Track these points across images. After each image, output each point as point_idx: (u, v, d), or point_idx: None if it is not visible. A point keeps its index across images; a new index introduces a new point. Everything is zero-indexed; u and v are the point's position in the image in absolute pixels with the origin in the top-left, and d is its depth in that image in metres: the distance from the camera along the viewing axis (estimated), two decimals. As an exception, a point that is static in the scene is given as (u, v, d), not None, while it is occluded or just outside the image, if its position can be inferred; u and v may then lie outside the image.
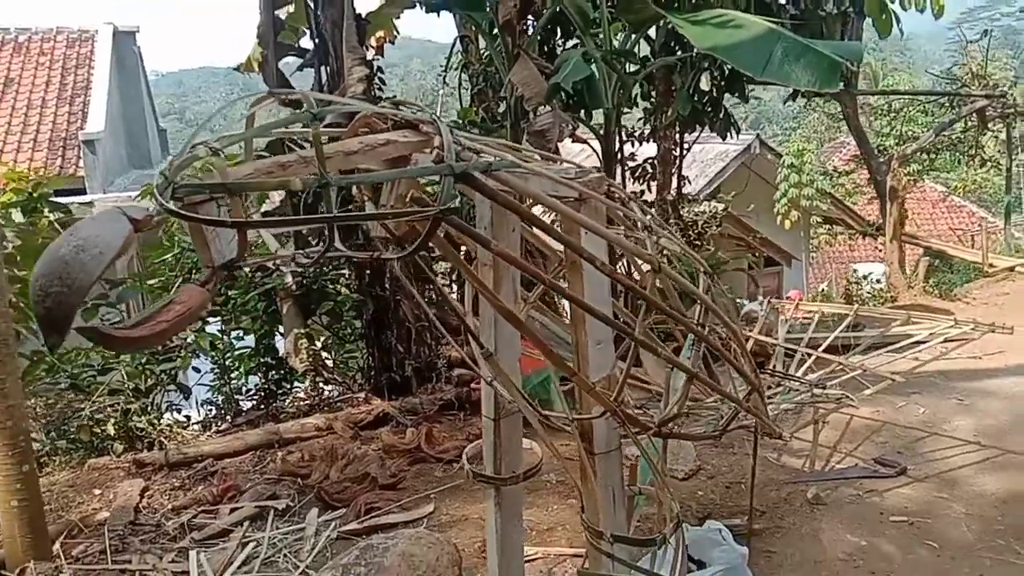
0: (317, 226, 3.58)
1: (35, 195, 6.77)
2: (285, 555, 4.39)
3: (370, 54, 9.93)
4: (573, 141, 7.40)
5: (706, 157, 17.21)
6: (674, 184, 9.24)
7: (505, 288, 3.17)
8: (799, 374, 5.01)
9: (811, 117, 32.94)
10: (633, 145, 9.49)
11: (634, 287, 2.85)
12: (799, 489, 4.93)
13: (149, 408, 6.50)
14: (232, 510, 4.89)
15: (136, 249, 8.06)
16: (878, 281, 11.90)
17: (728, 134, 9.62)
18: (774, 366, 5.24)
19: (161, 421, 6.47)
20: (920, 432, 5.77)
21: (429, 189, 3.29)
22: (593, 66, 6.22)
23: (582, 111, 7.61)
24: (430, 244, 2.34)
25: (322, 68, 6.66)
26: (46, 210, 6.75)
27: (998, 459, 5.29)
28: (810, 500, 4.78)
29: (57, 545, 4.29)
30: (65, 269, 1.71)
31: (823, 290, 17.75)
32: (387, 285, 6.39)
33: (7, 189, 6.91)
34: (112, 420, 6.23)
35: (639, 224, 2.90)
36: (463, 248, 4.27)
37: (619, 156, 6.88)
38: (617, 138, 6.83)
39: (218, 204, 1.99)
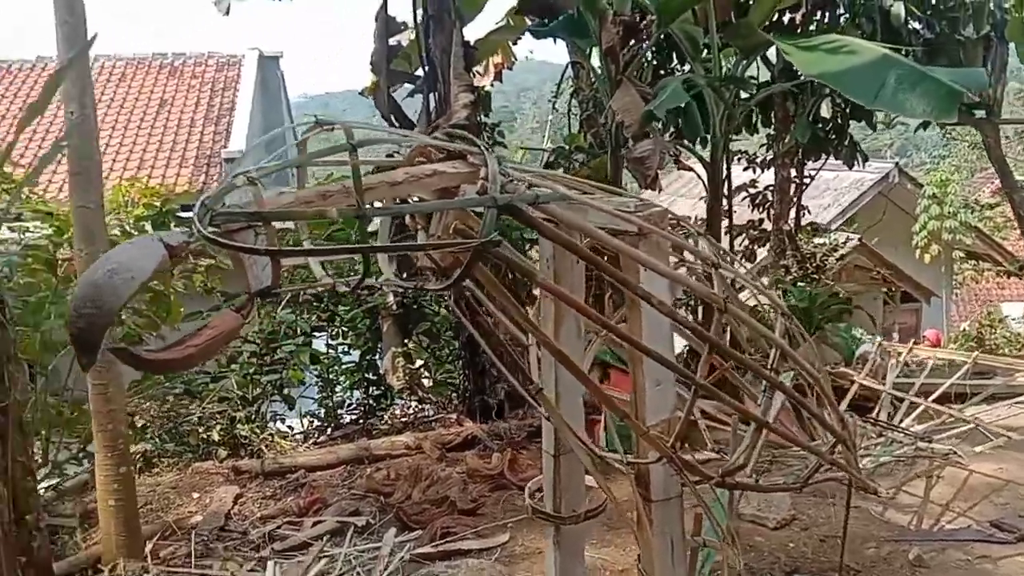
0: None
1: (163, 210, 7.22)
2: (358, 573, 4.44)
3: (488, 79, 10.10)
4: (679, 168, 7.22)
5: (840, 185, 16.49)
6: (792, 214, 8.86)
7: (568, 322, 3.11)
8: (904, 424, 4.65)
9: (961, 145, 31.02)
10: (754, 172, 9.19)
11: (696, 328, 2.73)
12: (901, 549, 4.56)
13: (254, 417, 6.76)
14: (315, 523, 5.00)
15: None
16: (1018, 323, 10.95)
17: (855, 162, 9.18)
18: (877, 414, 4.89)
19: (264, 430, 6.72)
20: (1052, 495, 5.23)
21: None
22: (701, 92, 6.05)
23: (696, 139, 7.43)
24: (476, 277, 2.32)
25: (431, 95, 6.78)
26: (172, 224, 7.19)
27: None
28: (911, 561, 4.41)
29: (148, 545, 4.51)
30: (97, 292, 1.76)
31: (964, 330, 16.55)
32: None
33: (140, 203, 7.42)
34: (218, 426, 6.52)
35: (707, 261, 2.76)
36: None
37: (727, 184, 6.65)
38: (725, 166, 6.60)
39: (256, 232, 2.02)
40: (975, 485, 5.23)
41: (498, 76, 10.37)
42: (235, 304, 2.07)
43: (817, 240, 8.95)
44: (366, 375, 7.38)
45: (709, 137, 6.49)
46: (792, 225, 8.70)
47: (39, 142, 14.82)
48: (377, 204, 2.41)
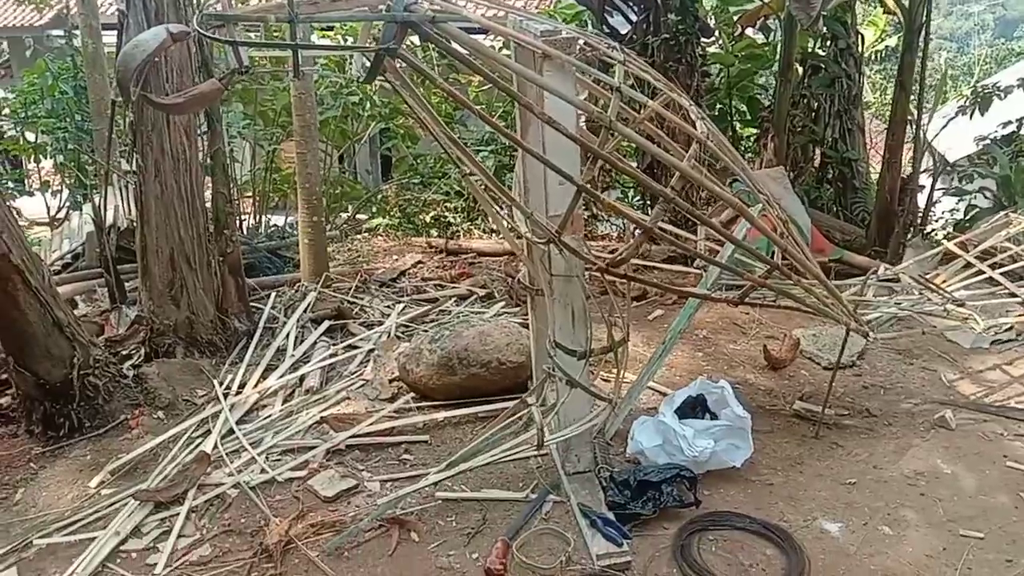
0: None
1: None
2: (457, 324, 5.66)
3: None
4: (884, 12, 6.70)
5: None
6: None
7: (533, 132, 3.79)
8: (953, 288, 4.54)
9: None
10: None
11: (582, 141, 3.30)
12: (936, 409, 4.62)
13: (463, 208, 8.17)
14: (452, 288, 6.30)
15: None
16: None
17: None
18: (935, 276, 4.77)
19: (467, 220, 8.10)
20: None
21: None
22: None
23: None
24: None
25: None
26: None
27: None
28: (934, 421, 4.50)
29: (323, 276, 6.13)
30: (124, 58, 3.03)
31: None
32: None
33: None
34: (433, 212, 8.04)
35: (607, 85, 3.24)
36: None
37: (923, 33, 6.09)
38: (924, 12, 6.03)
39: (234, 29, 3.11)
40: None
41: None
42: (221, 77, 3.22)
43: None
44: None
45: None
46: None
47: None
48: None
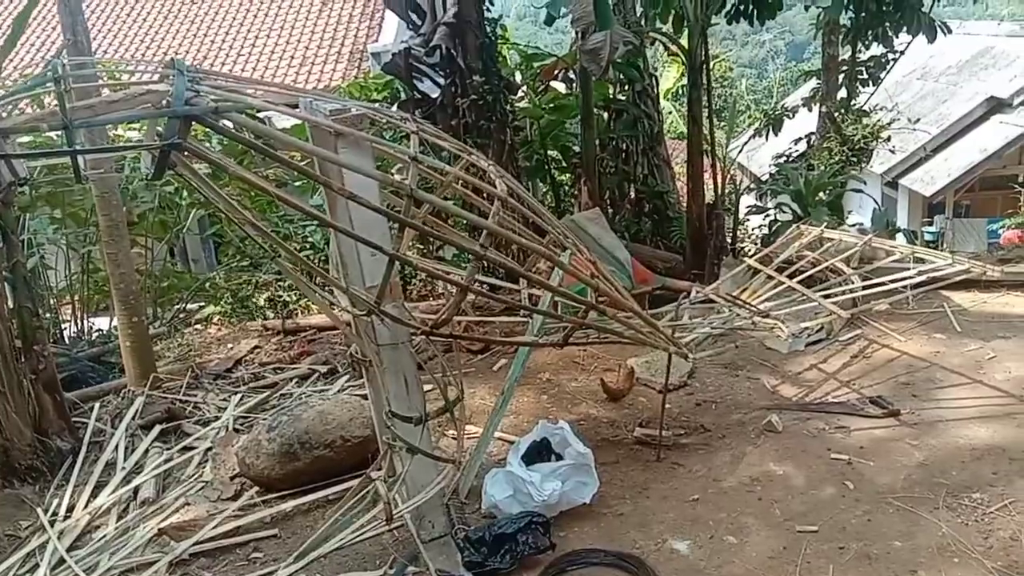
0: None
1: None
2: (298, 405, 5.52)
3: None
4: (669, 55, 7.29)
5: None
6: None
7: (340, 208, 3.80)
8: (759, 300, 4.91)
9: None
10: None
11: (386, 212, 3.35)
12: (764, 415, 4.92)
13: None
14: (293, 369, 6.15)
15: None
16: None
17: (934, 35, 8.63)
18: (743, 290, 5.15)
19: (304, 296, 7.95)
20: (963, 378, 5.25)
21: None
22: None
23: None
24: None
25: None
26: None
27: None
28: (763, 427, 4.79)
29: (151, 377, 5.83)
30: None
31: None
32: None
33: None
34: (266, 294, 7.85)
35: (406, 156, 3.32)
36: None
37: (704, 70, 6.69)
38: (703, 52, 6.63)
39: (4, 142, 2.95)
40: (902, 364, 5.39)
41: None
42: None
43: (867, 121, 8.62)
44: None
45: (686, 25, 6.55)
46: (832, 107, 8.46)
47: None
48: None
